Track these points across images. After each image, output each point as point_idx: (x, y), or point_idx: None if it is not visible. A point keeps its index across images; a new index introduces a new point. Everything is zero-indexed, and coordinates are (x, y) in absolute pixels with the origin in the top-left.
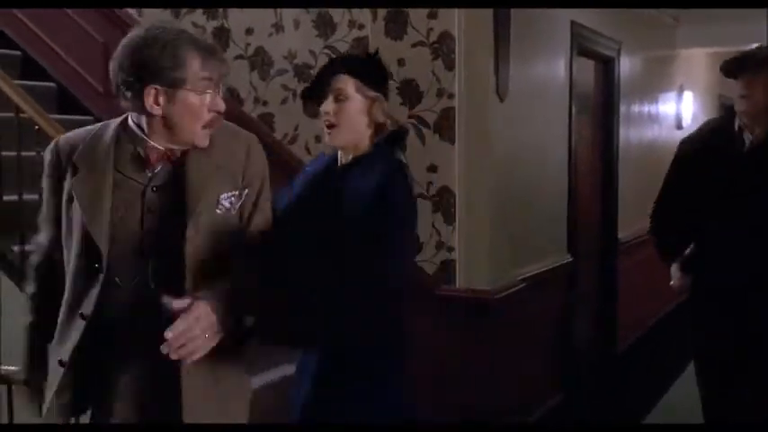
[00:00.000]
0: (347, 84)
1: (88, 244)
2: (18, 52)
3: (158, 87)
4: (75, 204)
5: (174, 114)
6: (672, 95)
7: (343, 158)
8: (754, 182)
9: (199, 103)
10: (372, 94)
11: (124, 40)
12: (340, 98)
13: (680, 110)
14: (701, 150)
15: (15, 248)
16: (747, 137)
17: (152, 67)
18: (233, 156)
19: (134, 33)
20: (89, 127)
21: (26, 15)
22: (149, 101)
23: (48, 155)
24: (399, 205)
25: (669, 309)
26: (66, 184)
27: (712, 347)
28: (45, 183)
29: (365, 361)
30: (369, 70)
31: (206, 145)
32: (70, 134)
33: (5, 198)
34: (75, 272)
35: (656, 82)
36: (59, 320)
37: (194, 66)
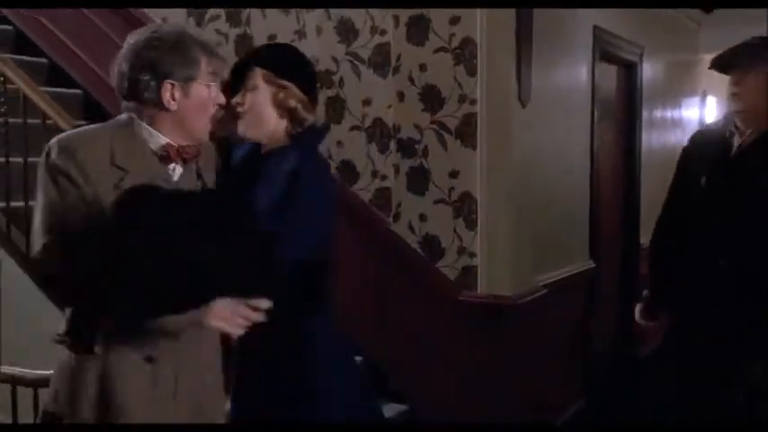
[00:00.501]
0: (257, 75)
1: None
2: (45, 60)
3: (174, 83)
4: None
5: (187, 108)
6: (695, 100)
7: (263, 148)
8: (737, 196)
9: (207, 96)
10: (281, 82)
11: (129, 44)
12: (248, 89)
13: (703, 115)
14: (692, 159)
15: None
16: (737, 141)
17: (167, 65)
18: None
19: (139, 36)
20: (83, 131)
21: (52, 23)
22: (167, 96)
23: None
24: (304, 193)
25: None
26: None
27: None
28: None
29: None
30: (276, 59)
31: (207, 139)
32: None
33: (32, 203)
34: None
35: (678, 87)
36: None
37: (202, 62)
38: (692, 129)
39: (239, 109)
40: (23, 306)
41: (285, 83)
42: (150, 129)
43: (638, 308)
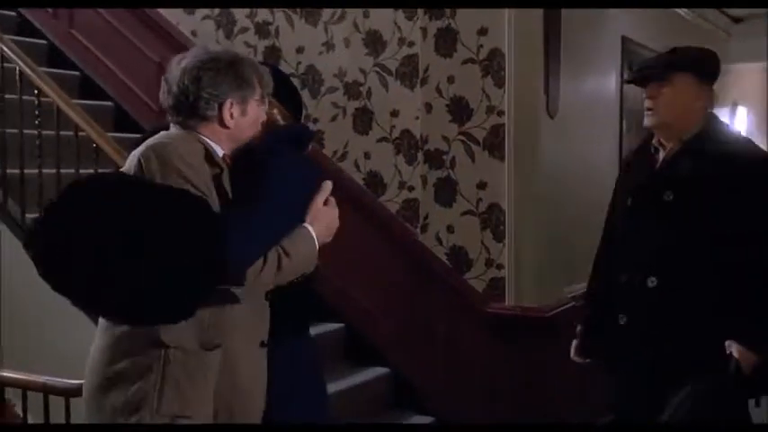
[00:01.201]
0: None
1: None
2: (77, 72)
3: (234, 102)
4: None
5: (243, 125)
6: (725, 111)
7: None
8: (661, 211)
9: (260, 113)
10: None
11: (186, 64)
12: None
13: (733, 125)
14: (621, 181)
15: None
16: (662, 156)
17: (226, 84)
18: None
19: (195, 57)
20: (163, 139)
21: (84, 37)
22: (227, 114)
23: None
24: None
25: None
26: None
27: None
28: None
29: None
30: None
31: None
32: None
33: None
34: None
35: None
36: None
37: (255, 81)
38: None
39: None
40: (53, 314)
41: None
42: (209, 142)
43: (573, 344)
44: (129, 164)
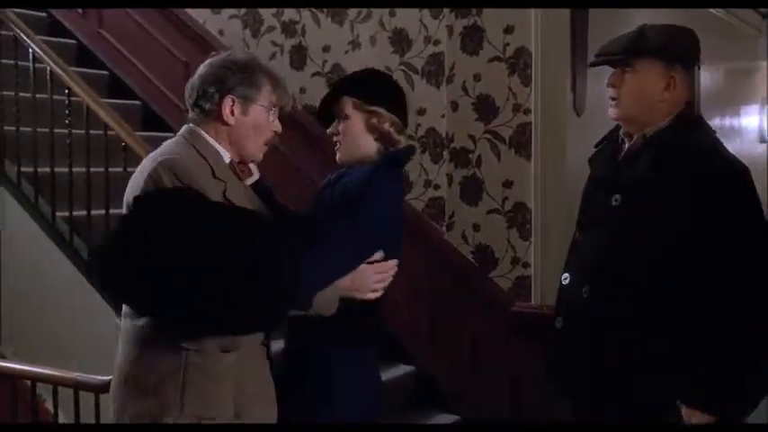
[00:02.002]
0: (347, 104)
1: None
2: (105, 72)
3: (235, 98)
4: None
5: (244, 126)
6: (755, 108)
7: None
8: (606, 216)
9: (266, 120)
10: (371, 108)
11: (204, 63)
12: (341, 118)
13: (763, 123)
14: (592, 168)
15: None
16: (626, 148)
17: (231, 81)
18: None
19: (214, 58)
20: (178, 149)
21: (113, 37)
22: (226, 110)
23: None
24: (364, 208)
25: None
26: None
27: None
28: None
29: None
30: (365, 87)
31: (259, 160)
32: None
33: (93, 212)
34: None
35: (737, 94)
36: None
37: (266, 88)
38: (752, 137)
39: (335, 138)
40: (83, 312)
41: (375, 108)
42: (214, 142)
43: None
44: (136, 181)
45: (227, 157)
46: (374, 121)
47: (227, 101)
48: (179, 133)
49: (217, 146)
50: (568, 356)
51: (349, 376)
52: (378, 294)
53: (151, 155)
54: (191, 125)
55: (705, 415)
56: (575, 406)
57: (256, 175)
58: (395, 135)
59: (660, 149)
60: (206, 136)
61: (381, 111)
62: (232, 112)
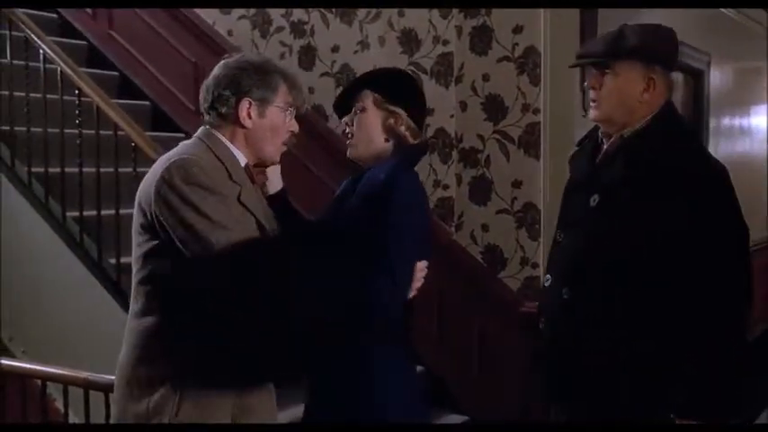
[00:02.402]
0: (367, 97)
1: None
2: (116, 73)
3: (251, 101)
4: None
5: (261, 128)
6: (764, 108)
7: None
8: (585, 217)
9: (283, 121)
10: (391, 108)
11: (218, 66)
12: (358, 111)
13: None
14: (571, 169)
15: (112, 261)
16: (605, 148)
17: (247, 84)
18: None
19: (229, 59)
20: (194, 150)
21: (123, 37)
22: (243, 113)
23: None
24: (398, 208)
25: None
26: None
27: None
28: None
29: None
30: (389, 85)
31: (277, 161)
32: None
33: (104, 212)
34: None
35: (747, 94)
36: None
37: (282, 89)
38: (762, 137)
39: (348, 130)
40: (93, 312)
41: (396, 109)
42: (231, 146)
43: None
44: (149, 182)
45: (243, 160)
46: (391, 121)
47: (244, 104)
48: (196, 135)
49: (233, 149)
50: (551, 358)
51: (387, 384)
52: (411, 295)
53: (165, 156)
54: (207, 128)
55: (699, 419)
56: (559, 407)
57: (279, 185)
58: (409, 139)
59: (637, 150)
60: (222, 139)
61: (401, 112)
62: (249, 115)
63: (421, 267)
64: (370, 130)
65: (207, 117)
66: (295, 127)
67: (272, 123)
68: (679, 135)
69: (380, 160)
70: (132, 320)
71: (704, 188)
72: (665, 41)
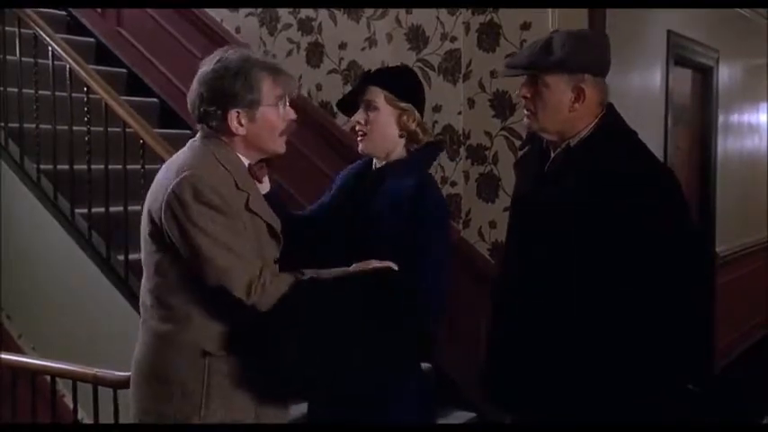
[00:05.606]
0: (377, 95)
1: None
2: (124, 70)
3: (239, 111)
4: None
5: (258, 131)
6: None
7: (377, 163)
8: (533, 230)
9: (276, 117)
10: (402, 104)
11: (200, 73)
12: (369, 108)
13: None
14: (517, 176)
15: (120, 258)
16: (552, 155)
17: (230, 95)
18: None
19: (204, 69)
20: (203, 160)
21: (131, 35)
22: (233, 124)
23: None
24: (439, 219)
25: None
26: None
27: None
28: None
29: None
30: (399, 82)
31: (284, 151)
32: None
33: (112, 209)
34: None
35: (756, 91)
36: None
37: (266, 85)
38: None
39: (360, 128)
40: (102, 308)
41: (406, 105)
42: (233, 151)
43: None
44: (158, 193)
45: (246, 161)
46: (404, 118)
47: (232, 115)
48: (200, 137)
49: (238, 155)
50: (500, 369)
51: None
52: None
53: (174, 164)
54: (210, 134)
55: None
56: (511, 416)
57: (267, 187)
58: (420, 134)
59: (583, 159)
60: (225, 141)
61: (411, 109)
62: (240, 123)
63: None
64: (384, 128)
65: (200, 129)
66: (292, 114)
67: (266, 123)
68: (623, 141)
69: (394, 154)
70: (150, 323)
71: (650, 193)
72: (595, 48)
